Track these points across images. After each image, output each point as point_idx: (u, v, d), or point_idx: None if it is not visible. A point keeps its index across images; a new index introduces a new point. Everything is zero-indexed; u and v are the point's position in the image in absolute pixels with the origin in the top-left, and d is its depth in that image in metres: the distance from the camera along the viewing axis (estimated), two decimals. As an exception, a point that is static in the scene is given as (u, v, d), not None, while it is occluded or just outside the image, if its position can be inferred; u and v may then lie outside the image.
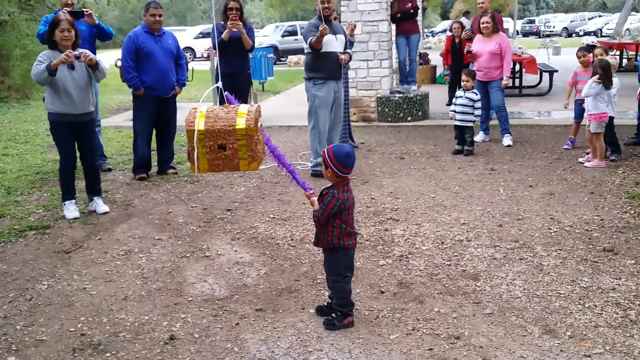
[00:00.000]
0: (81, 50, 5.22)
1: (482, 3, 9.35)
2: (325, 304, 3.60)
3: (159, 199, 5.99)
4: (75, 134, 5.36)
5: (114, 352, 3.24)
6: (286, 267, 4.30)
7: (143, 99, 6.60)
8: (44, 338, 3.40)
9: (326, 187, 3.40)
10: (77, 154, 5.51)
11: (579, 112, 7.49)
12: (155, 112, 6.66)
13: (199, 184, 6.46)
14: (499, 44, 7.85)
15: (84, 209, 5.64)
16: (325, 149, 3.37)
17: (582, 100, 7.27)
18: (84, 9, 6.86)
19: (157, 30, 6.60)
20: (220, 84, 4.80)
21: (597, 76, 6.61)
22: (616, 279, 3.93)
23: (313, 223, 4.63)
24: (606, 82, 6.63)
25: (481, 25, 8.02)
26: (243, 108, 4.47)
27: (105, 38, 7.02)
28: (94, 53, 7.02)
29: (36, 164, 7.45)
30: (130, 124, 7.27)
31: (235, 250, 4.63)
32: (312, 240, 4.65)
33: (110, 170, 7.10)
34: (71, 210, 5.44)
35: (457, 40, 10.81)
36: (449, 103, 10.46)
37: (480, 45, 7.98)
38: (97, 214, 5.53)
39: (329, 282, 3.50)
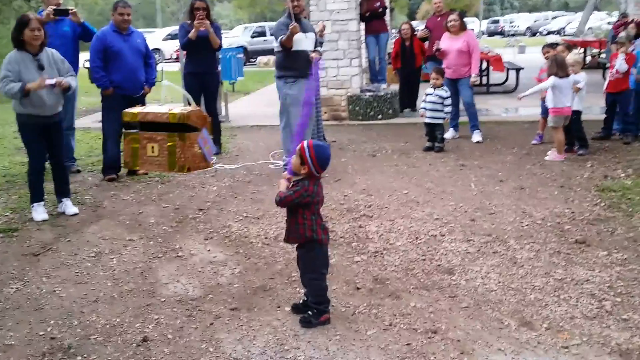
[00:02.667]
0: (49, 57, 5.12)
1: (438, 3, 9.47)
2: (301, 301, 3.56)
3: (130, 200, 5.89)
4: (45, 135, 5.24)
5: (85, 355, 3.16)
6: (260, 265, 4.26)
7: (112, 99, 6.49)
8: (13, 342, 3.30)
9: (297, 179, 3.34)
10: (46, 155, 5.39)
11: (546, 108, 7.59)
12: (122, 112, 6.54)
13: (170, 184, 6.36)
14: (467, 42, 7.91)
15: (52, 210, 5.51)
16: (306, 145, 3.26)
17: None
18: (69, 7, 6.70)
19: (125, 29, 6.50)
20: (165, 82, 4.71)
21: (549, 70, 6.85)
22: (590, 270, 3.97)
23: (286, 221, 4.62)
24: (556, 71, 6.79)
25: (449, 24, 8.07)
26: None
27: (90, 38, 6.88)
28: (77, 54, 6.91)
29: (3, 166, 7.28)
30: (99, 125, 7.16)
31: (209, 250, 4.57)
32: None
33: (79, 172, 6.96)
34: (40, 212, 5.31)
35: (407, 43, 10.45)
36: (402, 110, 10.50)
37: (448, 43, 8.03)
38: (66, 215, 5.41)
39: (304, 279, 3.47)
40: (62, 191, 5.51)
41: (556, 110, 6.91)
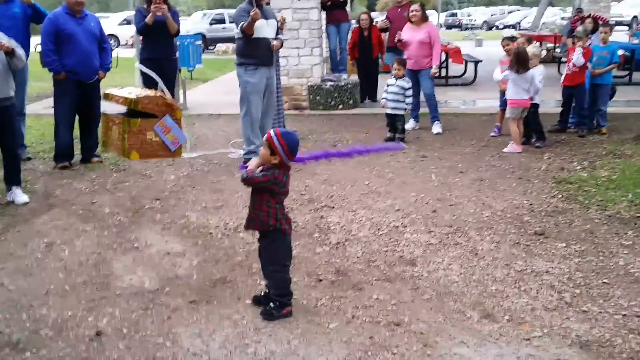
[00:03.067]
0: None
1: None
2: (262, 293, 3.48)
3: (83, 189, 5.69)
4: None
5: (34, 350, 3.02)
6: (220, 257, 4.15)
7: (64, 84, 6.24)
8: (-44, 338, 3.13)
9: (267, 166, 3.20)
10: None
11: (504, 100, 7.66)
12: (77, 97, 6.31)
13: (125, 173, 6.18)
14: (429, 33, 7.91)
15: (1, 199, 5.28)
16: (274, 134, 3.15)
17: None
18: None
19: (79, 12, 6.25)
20: (138, 65, 4.60)
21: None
22: (549, 262, 4.00)
23: (247, 210, 4.53)
24: (517, 67, 6.85)
25: (410, 13, 8.04)
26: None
27: (41, 20, 6.59)
28: (28, 37, 6.62)
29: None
30: (51, 111, 6.89)
31: (166, 241, 4.44)
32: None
33: (29, 159, 6.70)
34: (-14, 201, 5.09)
35: (365, 33, 10.37)
36: (362, 100, 10.49)
37: (409, 34, 8.00)
38: (15, 204, 5.18)
39: (267, 271, 3.37)
40: (12, 179, 5.28)
41: (514, 102, 6.99)
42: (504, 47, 7.74)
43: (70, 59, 6.16)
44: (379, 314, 3.34)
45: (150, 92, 4.27)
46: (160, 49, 7.30)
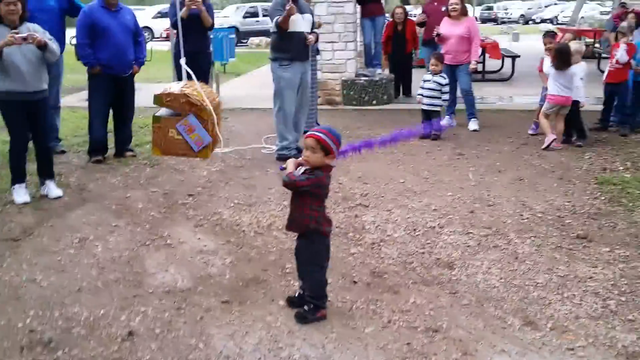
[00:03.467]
0: (30, 31, 4.88)
1: None
2: (296, 294, 3.40)
3: (116, 183, 5.68)
4: (27, 114, 5.01)
5: (66, 349, 2.99)
6: (253, 255, 4.09)
7: (99, 78, 6.24)
8: (-11, 335, 3.12)
9: (309, 168, 3.10)
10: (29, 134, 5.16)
11: (544, 96, 7.46)
12: (111, 91, 6.31)
13: (158, 168, 6.16)
14: (469, 28, 7.72)
15: (35, 193, 5.29)
16: (323, 135, 3.04)
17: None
18: None
19: (114, 5, 6.23)
20: (183, 60, 4.55)
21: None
22: (592, 267, 3.84)
23: (281, 209, 4.47)
24: (557, 64, 6.65)
25: (450, 7, 7.86)
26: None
27: (77, 13, 6.61)
28: (64, 30, 6.63)
29: (-17, 145, 7.02)
30: (85, 104, 6.91)
31: (199, 238, 4.39)
32: (280, 226, 4.51)
33: (64, 152, 6.73)
34: (21, 194, 5.09)
35: (399, 28, 10.23)
36: (397, 95, 10.34)
37: (448, 29, 7.82)
38: (49, 198, 5.19)
39: (303, 272, 3.28)
40: (46, 173, 5.30)
41: (551, 98, 6.79)
42: (545, 44, 7.50)
43: (104, 53, 6.15)
44: (417, 319, 3.23)
45: (184, 88, 4.17)
46: (195, 43, 7.22)
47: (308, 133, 3.14)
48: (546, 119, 6.87)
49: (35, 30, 4.99)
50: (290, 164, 3.13)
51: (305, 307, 3.24)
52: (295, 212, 3.19)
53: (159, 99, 4.13)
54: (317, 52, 8.12)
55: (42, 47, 4.88)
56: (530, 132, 7.56)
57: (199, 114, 3.99)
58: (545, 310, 3.33)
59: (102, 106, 6.38)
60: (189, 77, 4.39)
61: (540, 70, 7.53)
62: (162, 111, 4.22)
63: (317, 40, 6.74)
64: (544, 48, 7.47)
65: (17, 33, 4.79)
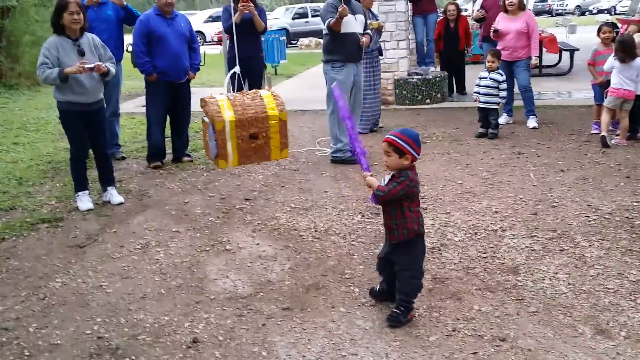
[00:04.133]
0: (89, 42, 5.01)
1: None
2: (378, 289, 3.43)
3: (175, 189, 5.77)
4: (87, 123, 5.13)
5: (133, 357, 3.03)
6: (311, 261, 4.07)
7: (156, 85, 6.35)
8: (59, 342, 3.18)
9: (393, 174, 3.13)
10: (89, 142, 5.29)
11: (601, 94, 7.18)
12: (168, 98, 6.41)
13: (215, 172, 6.22)
14: (527, 22, 7.51)
15: (97, 199, 5.42)
16: (396, 137, 3.06)
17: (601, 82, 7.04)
18: None
19: (169, 12, 6.32)
20: (237, 68, 4.57)
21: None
22: (667, 271, 3.67)
23: (338, 213, 4.44)
24: (622, 55, 6.42)
25: (506, 2, 7.67)
26: (265, 93, 4.31)
27: (134, 22, 6.75)
28: (122, 38, 6.79)
29: (48, 152, 7.24)
30: (143, 110, 7.05)
31: (257, 243, 4.40)
32: (338, 231, 4.48)
33: (124, 158, 6.88)
34: (85, 201, 5.22)
35: (452, 25, 10.09)
36: (451, 93, 10.17)
37: (505, 24, 7.63)
38: (111, 204, 5.31)
39: (403, 277, 3.19)
40: (107, 179, 5.41)
41: (614, 91, 6.54)
42: (604, 33, 7.20)
43: (161, 61, 6.25)
44: (482, 327, 3.15)
45: (229, 96, 4.20)
46: (248, 47, 7.25)
47: (384, 137, 3.15)
48: (608, 115, 6.62)
49: (94, 40, 5.10)
50: (370, 182, 3.17)
51: (397, 311, 3.22)
52: (395, 221, 3.15)
53: (200, 103, 4.29)
54: (380, 52, 8.08)
55: (105, 74, 5.01)
56: (593, 131, 7.27)
57: (213, 124, 4.03)
58: (617, 318, 3.19)
59: (160, 112, 6.49)
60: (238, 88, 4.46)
61: (590, 64, 7.27)
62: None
63: (371, 41, 6.68)
64: (602, 38, 7.19)
65: (79, 45, 4.92)
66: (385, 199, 3.08)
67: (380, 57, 8.07)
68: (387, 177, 3.14)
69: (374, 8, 8.93)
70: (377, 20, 7.78)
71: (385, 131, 7.75)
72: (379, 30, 7.69)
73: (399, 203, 3.11)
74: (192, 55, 6.52)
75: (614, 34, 7.30)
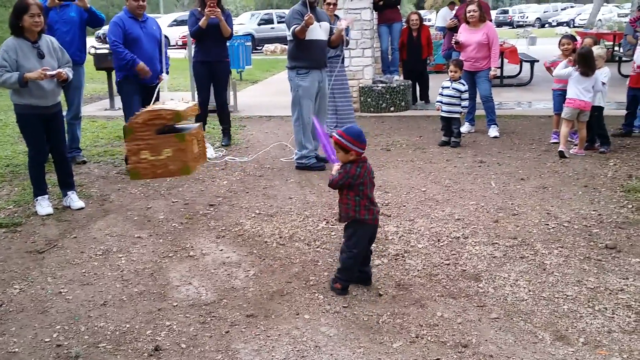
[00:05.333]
0: (48, 44, 4.92)
1: None
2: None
3: (138, 194, 5.69)
4: (45, 126, 5.03)
5: (94, 365, 2.97)
6: (276, 267, 4.06)
7: (130, 85, 6.22)
8: (16, 350, 3.11)
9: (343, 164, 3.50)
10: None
11: (559, 103, 7.38)
12: (142, 100, 6.30)
13: (179, 177, 6.15)
14: (487, 34, 7.66)
15: (57, 204, 5.32)
16: (339, 136, 3.44)
17: (561, 91, 7.24)
18: None
19: (141, 15, 6.23)
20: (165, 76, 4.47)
21: (570, 59, 6.64)
22: (623, 278, 3.76)
23: (302, 219, 4.51)
24: (582, 69, 6.60)
25: (467, 14, 7.81)
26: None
27: (97, 24, 6.65)
28: (84, 40, 6.66)
29: (6, 156, 7.07)
30: (105, 113, 6.95)
31: (221, 250, 4.37)
32: (302, 237, 4.49)
33: (84, 162, 6.75)
34: (44, 206, 5.12)
35: (414, 34, 10.17)
36: (414, 101, 10.29)
37: (467, 36, 7.77)
38: (71, 209, 5.21)
39: (340, 257, 3.66)
40: (67, 184, 5.31)
41: (570, 102, 6.69)
42: (563, 44, 7.39)
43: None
44: (445, 334, 3.18)
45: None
46: (214, 52, 7.24)
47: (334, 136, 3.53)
48: (567, 127, 6.77)
49: (53, 43, 5.01)
50: (334, 168, 3.59)
51: (333, 277, 3.68)
52: (340, 204, 3.58)
53: (183, 115, 4.29)
54: (342, 60, 8.10)
55: (64, 81, 4.93)
56: (552, 141, 7.43)
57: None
58: (576, 324, 3.26)
59: (137, 110, 6.32)
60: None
61: (548, 67, 7.49)
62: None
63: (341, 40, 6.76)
64: (562, 49, 7.37)
65: (38, 48, 4.83)
66: (330, 186, 3.53)
67: (345, 66, 8.12)
68: (336, 167, 3.54)
69: (339, 16, 8.97)
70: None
71: (368, 135, 7.75)
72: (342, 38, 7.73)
73: (341, 191, 3.54)
74: (161, 58, 6.43)
75: (574, 46, 7.49)
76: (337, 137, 3.44)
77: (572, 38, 7.63)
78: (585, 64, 6.57)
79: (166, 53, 6.57)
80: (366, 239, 3.60)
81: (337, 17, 7.81)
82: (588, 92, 6.65)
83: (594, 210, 4.97)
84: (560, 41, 7.53)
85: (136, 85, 6.22)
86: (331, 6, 7.43)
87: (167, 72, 6.60)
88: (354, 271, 3.62)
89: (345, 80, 7.92)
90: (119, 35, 6.10)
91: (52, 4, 6.03)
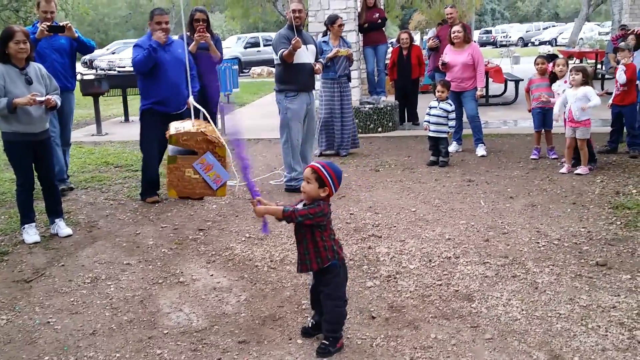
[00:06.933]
0: (36, 71, 4.92)
1: (451, 14, 9.25)
2: (310, 325, 3.39)
3: (126, 219, 5.64)
4: (34, 153, 5.00)
5: (83, 396, 2.91)
6: (267, 292, 4.02)
7: (152, 116, 5.94)
8: (4, 383, 3.05)
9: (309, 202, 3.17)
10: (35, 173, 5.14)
11: (539, 121, 7.49)
12: (163, 130, 6.09)
13: (167, 203, 6.12)
14: (472, 55, 7.74)
15: (44, 232, 5.26)
16: (321, 167, 3.13)
17: (540, 109, 7.39)
18: (64, 22, 6.30)
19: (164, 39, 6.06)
20: (191, 99, 4.42)
21: (577, 83, 6.64)
22: (615, 295, 3.76)
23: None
24: (591, 84, 6.67)
25: (452, 35, 7.89)
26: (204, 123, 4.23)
27: (87, 51, 6.60)
28: (74, 67, 6.60)
29: (-9, 183, 7.00)
30: (93, 139, 6.91)
31: (212, 275, 4.33)
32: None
33: (71, 189, 6.69)
34: (31, 234, 5.06)
35: (404, 53, 10.24)
36: (402, 122, 10.35)
37: (452, 56, 7.85)
38: (59, 237, 5.16)
39: (327, 306, 3.21)
40: (54, 211, 5.26)
41: (588, 122, 6.71)
42: (537, 64, 7.54)
43: (159, 91, 5.89)
44: (439, 356, 3.16)
45: (195, 126, 4.08)
46: (204, 77, 7.24)
47: (309, 164, 3.24)
48: (570, 149, 6.80)
49: (40, 70, 5.00)
50: (261, 210, 3.21)
51: (326, 342, 3.20)
52: (308, 251, 3.18)
53: (174, 139, 4.01)
54: (349, 78, 8.18)
55: (52, 107, 4.91)
56: (532, 157, 7.51)
57: (215, 152, 3.90)
58: (570, 343, 3.25)
59: (156, 145, 6.12)
60: (197, 115, 4.32)
61: (527, 91, 7.60)
62: (174, 150, 4.12)
63: (323, 69, 6.77)
64: (537, 69, 7.52)
65: (26, 74, 4.82)
66: (292, 217, 3.10)
67: (350, 84, 8.22)
68: (300, 205, 3.18)
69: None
70: (347, 48, 7.92)
71: (337, 160, 7.80)
72: (349, 58, 7.85)
73: (311, 233, 3.15)
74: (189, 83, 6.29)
75: (547, 65, 7.65)
76: (319, 167, 3.13)
77: (547, 58, 7.81)
78: (588, 82, 6.64)
79: (195, 77, 6.25)
80: (346, 279, 3.30)
81: (342, 38, 7.96)
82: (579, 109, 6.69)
83: (583, 228, 4.99)
84: (535, 60, 7.69)
85: (159, 117, 5.87)
86: (341, 27, 7.89)
87: (195, 95, 6.43)
88: (344, 320, 3.30)
89: (350, 99, 8.10)
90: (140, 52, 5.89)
91: (41, 35, 5.99)
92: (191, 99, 4.36)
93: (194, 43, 6.77)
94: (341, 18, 7.94)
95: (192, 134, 3.85)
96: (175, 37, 6.60)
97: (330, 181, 3.12)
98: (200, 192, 3.92)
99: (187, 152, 4.03)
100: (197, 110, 4.31)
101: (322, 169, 3.12)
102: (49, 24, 6.07)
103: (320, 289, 3.23)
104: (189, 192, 3.92)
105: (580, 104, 6.60)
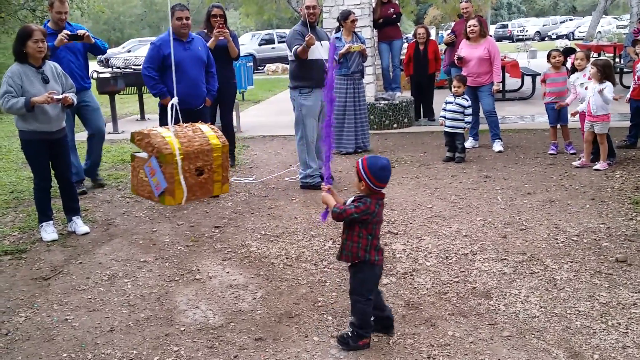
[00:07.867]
0: (52, 70, 4.95)
1: (466, 8, 9.17)
2: (348, 334, 3.29)
3: (142, 217, 5.67)
4: (50, 152, 5.03)
5: (101, 393, 2.93)
6: (283, 289, 4.02)
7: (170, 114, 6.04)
8: (23, 380, 3.07)
9: (359, 195, 3.15)
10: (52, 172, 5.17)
11: (554, 116, 7.41)
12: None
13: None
14: (488, 49, 7.67)
15: (62, 230, 5.30)
16: (360, 161, 3.11)
17: (553, 104, 7.31)
18: (82, 31, 6.30)
19: (185, 35, 6.05)
20: (175, 100, 4.23)
21: (595, 77, 6.53)
22: (636, 292, 3.71)
23: (309, 239, 4.41)
24: (611, 80, 6.57)
25: (468, 29, 7.83)
26: (204, 127, 4.05)
27: (99, 52, 6.62)
28: (87, 67, 6.64)
29: (10, 182, 7.06)
30: (109, 137, 6.95)
31: (228, 272, 4.33)
32: (309, 257, 4.45)
33: (102, 186, 6.75)
34: (49, 232, 5.09)
35: (421, 48, 10.16)
36: (418, 117, 10.27)
37: (468, 51, 7.78)
38: (76, 235, 5.19)
39: (351, 300, 3.23)
40: (72, 209, 5.29)
41: (606, 117, 6.63)
42: (553, 57, 7.44)
43: (177, 87, 5.97)
44: (457, 354, 3.13)
45: (174, 130, 3.88)
46: (221, 74, 7.21)
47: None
48: (589, 143, 6.74)
49: (56, 68, 5.03)
50: (327, 198, 3.20)
51: (348, 333, 3.20)
52: (346, 241, 3.17)
53: (132, 137, 3.89)
54: (362, 74, 8.11)
55: (69, 105, 4.94)
56: (550, 152, 7.43)
57: (158, 158, 3.71)
58: (590, 340, 3.21)
59: None
60: (177, 120, 4.10)
61: (543, 82, 7.51)
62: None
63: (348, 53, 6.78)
64: (552, 62, 7.43)
65: (42, 73, 4.85)
66: (340, 217, 3.10)
67: (363, 81, 8.16)
68: (351, 198, 3.17)
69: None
70: (360, 43, 7.84)
71: (353, 157, 7.78)
72: (362, 54, 7.77)
73: (351, 226, 3.13)
74: (208, 80, 6.31)
75: (563, 58, 7.56)
76: (358, 161, 3.12)
77: (563, 51, 7.74)
78: (608, 74, 6.55)
79: (215, 75, 6.29)
80: (377, 282, 3.27)
81: (355, 34, 7.90)
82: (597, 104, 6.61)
83: (602, 224, 4.93)
84: (549, 54, 7.59)
85: (176, 115, 5.95)
86: (354, 23, 7.76)
87: (215, 96, 6.42)
88: (369, 318, 3.24)
89: (365, 96, 8.06)
90: (154, 60, 5.94)
91: (61, 44, 5.99)
92: (175, 100, 4.14)
93: (212, 39, 6.75)
94: (354, 14, 7.88)
95: (143, 135, 3.71)
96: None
97: (364, 175, 3.06)
98: (148, 195, 3.73)
99: None
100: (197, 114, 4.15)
101: (359, 163, 3.11)
102: (68, 32, 6.07)
103: (350, 282, 3.26)
104: (142, 194, 3.77)
105: (598, 99, 6.51)
